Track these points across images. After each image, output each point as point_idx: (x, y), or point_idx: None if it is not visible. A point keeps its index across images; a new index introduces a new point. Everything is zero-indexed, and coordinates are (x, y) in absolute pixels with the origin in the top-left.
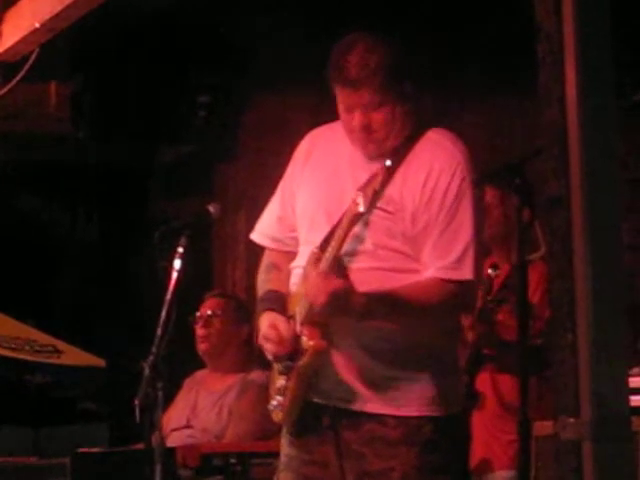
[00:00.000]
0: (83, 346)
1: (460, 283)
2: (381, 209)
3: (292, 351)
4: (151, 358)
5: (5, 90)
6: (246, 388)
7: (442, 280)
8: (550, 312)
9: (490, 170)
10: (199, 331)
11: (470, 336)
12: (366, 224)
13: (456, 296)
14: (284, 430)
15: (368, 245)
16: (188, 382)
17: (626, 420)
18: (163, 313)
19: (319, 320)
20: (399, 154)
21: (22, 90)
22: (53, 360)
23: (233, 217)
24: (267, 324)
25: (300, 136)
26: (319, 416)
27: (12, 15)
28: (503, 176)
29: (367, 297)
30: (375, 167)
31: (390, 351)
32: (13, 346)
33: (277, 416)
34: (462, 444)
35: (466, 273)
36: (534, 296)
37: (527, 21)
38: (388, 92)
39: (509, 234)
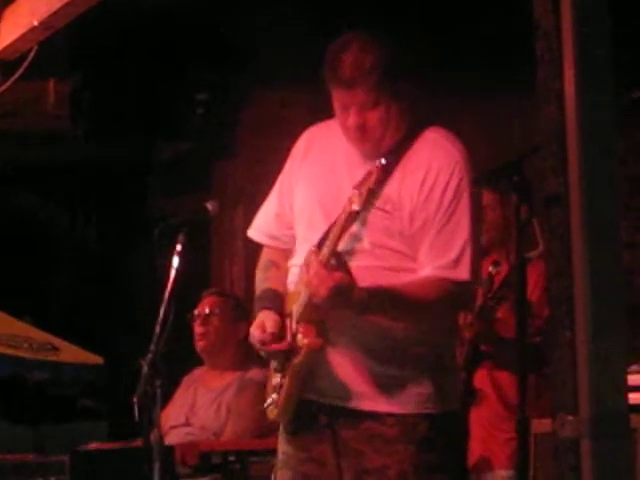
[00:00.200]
0: (81, 344)
1: (457, 282)
2: (379, 208)
3: (285, 349)
4: (149, 356)
5: (3, 88)
6: (244, 386)
7: (439, 279)
8: (549, 310)
9: (488, 171)
10: (197, 329)
11: (468, 333)
12: (364, 223)
13: (453, 295)
14: (281, 428)
15: (365, 244)
16: (186, 380)
17: (624, 418)
18: (161, 311)
19: (317, 315)
20: (396, 153)
21: (21, 88)
22: (51, 358)
23: (231, 214)
24: (255, 323)
25: (298, 133)
26: (316, 414)
27: (10, 13)
28: (501, 174)
29: (367, 292)
30: (372, 165)
31: (387, 349)
32: (12, 344)
33: (272, 413)
34: (460, 442)
35: (463, 273)
36: (533, 294)
37: (525, 19)
38: (383, 91)
39: (507, 236)
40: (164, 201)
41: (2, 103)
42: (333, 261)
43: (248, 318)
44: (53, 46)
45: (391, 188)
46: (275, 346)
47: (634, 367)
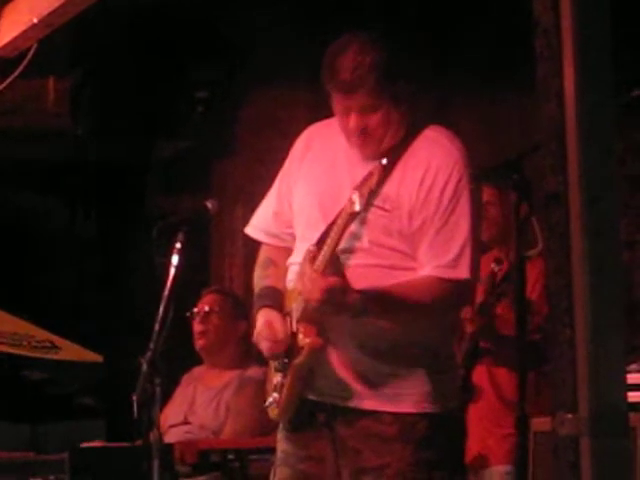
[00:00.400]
0: (81, 342)
1: (457, 282)
2: (378, 207)
3: (288, 348)
4: (149, 354)
5: (3, 86)
6: (244, 384)
7: (438, 279)
8: (548, 308)
9: (487, 168)
10: (196, 327)
11: (469, 328)
12: (363, 222)
13: (452, 295)
14: (280, 426)
15: (364, 243)
16: (186, 378)
17: (624, 416)
18: (161, 309)
19: (315, 317)
20: (396, 152)
21: (20, 86)
22: (51, 356)
23: (230, 213)
24: (262, 322)
25: (297, 132)
26: (315, 413)
27: (10, 10)
28: (501, 172)
29: (362, 295)
30: (372, 165)
31: (386, 348)
32: (11, 341)
33: (273, 412)
34: (458, 441)
35: (463, 272)
36: (533, 292)
37: (525, 16)
38: (383, 93)
39: (507, 232)
40: (163, 199)
41: (2, 101)
42: (331, 263)
43: (247, 316)
44: (53, 44)
45: (390, 187)
46: (280, 346)
47: (633, 366)
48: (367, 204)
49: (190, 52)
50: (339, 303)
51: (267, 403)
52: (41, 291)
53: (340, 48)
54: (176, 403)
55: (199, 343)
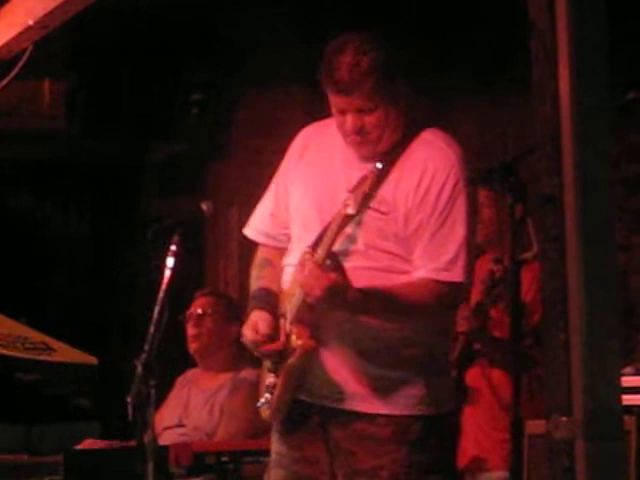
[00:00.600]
0: (75, 343)
1: (451, 284)
2: (374, 209)
3: (278, 349)
4: (144, 356)
5: None
6: (237, 386)
7: (434, 281)
8: (542, 311)
9: (483, 170)
10: (190, 330)
11: (462, 327)
12: (359, 224)
13: (447, 297)
14: (274, 427)
15: (360, 245)
16: (180, 381)
17: (619, 419)
18: (156, 311)
19: (311, 316)
20: (393, 154)
21: (16, 87)
22: (45, 357)
23: (225, 215)
24: (248, 323)
25: (293, 134)
26: (309, 414)
27: (5, 12)
28: (496, 174)
29: (362, 292)
30: (368, 167)
31: (380, 350)
32: (4, 343)
33: (265, 413)
34: (452, 443)
35: (458, 275)
36: (527, 295)
37: (521, 18)
38: (381, 94)
39: (502, 235)
40: (158, 201)
41: None
42: (328, 262)
43: (241, 319)
44: (48, 46)
45: (387, 189)
46: (268, 347)
47: (628, 369)
48: (362, 207)
49: (185, 54)
50: (339, 300)
51: (259, 404)
52: (35, 292)
53: (338, 48)
54: (170, 405)
55: (192, 346)
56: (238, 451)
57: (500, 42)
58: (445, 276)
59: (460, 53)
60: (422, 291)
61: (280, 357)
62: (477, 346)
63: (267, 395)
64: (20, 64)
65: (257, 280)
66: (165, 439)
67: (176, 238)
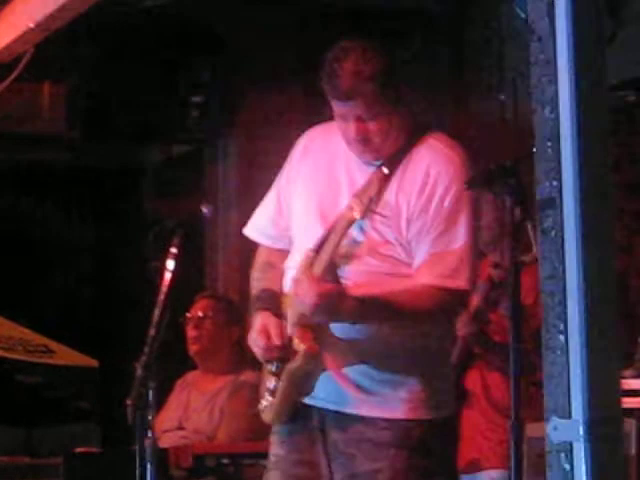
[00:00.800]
0: (76, 346)
1: (455, 291)
2: (376, 213)
3: (283, 353)
4: (144, 358)
5: None
6: (237, 389)
7: (438, 287)
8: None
9: (483, 172)
10: (190, 332)
11: (461, 332)
12: (361, 227)
13: (450, 304)
14: (273, 430)
15: (362, 249)
16: (180, 383)
17: (618, 422)
18: (156, 313)
19: (312, 322)
20: (397, 159)
21: (16, 90)
22: (46, 360)
23: (226, 217)
24: (259, 326)
25: (293, 136)
26: (309, 417)
27: (6, 15)
28: (496, 177)
29: (359, 301)
30: (371, 170)
31: (382, 354)
32: (6, 346)
33: (267, 416)
34: (452, 448)
35: (462, 282)
36: (527, 298)
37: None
38: (383, 100)
39: (502, 237)
40: (159, 204)
41: None
42: (328, 269)
43: (241, 321)
44: (48, 49)
45: (389, 193)
46: (277, 353)
47: (628, 372)
48: (367, 211)
49: (185, 56)
50: (335, 309)
51: (261, 406)
52: (36, 295)
53: (339, 55)
54: (170, 408)
55: (193, 348)
56: (238, 454)
57: (499, 43)
58: (449, 283)
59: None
60: (423, 298)
61: (282, 360)
62: (476, 350)
63: (269, 398)
64: (20, 67)
65: (259, 281)
66: (165, 442)
67: (176, 240)
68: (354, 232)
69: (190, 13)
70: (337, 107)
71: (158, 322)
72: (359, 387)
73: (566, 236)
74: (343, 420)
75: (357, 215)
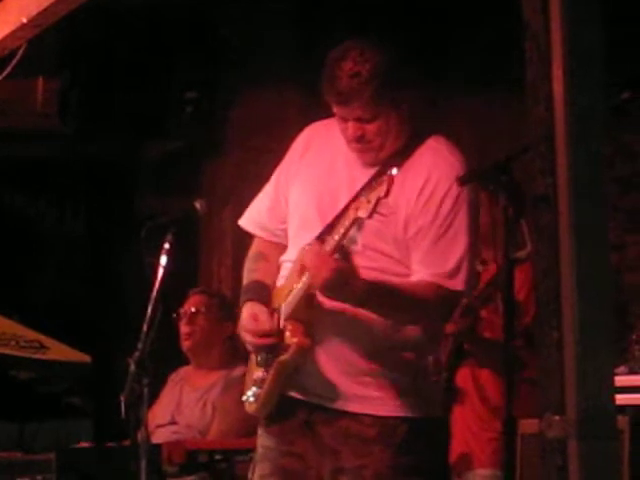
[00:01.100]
0: (68, 341)
1: (452, 292)
2: (375, 211)
3: (273, 343)
4: (137, 354)
5: None
6: (230, 384)
7: (437, 285)
8: (535, 310)
9: (477, 168)
10: (183, 328)
11: (450, 329)
12: (359, 225)
13: (446, 302)
14: (261, 422)
15: (358, 245)
16: (172, 379)
17: (612, 418)
18: (149, 309)
19: (307, 314)
20: (397, 159)
21: (9, 86)
22: (39, 356)
23: (220, 213)
24: (247, 315)
25: (288, 133)
26: (296, 410)
27: None
28: (490, 174)
29: (367, 283)
30: (372, 170)
31: (371, 352)
32: None
33: (251, 407)
34: (440, 447)
35: (459, 284)
36: (519, 294)
37: (516, 19)
38: (382, 101)
39: (496, 233)
40: (152, 199)
41: None
42: (336, 255)
43: (234, 317)
44: (42, 44)
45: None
46: (265, 340)
47: (622, 368)
48: (373, 211)
49: (179, 52)
50: (344, 287)
51: (245, 397)
52: (29, 291)
53: (339, 56)
54: (163, 403)
55: (185, 344)
56: (231, 449)
57: (496, 41)
58: (447, 283)
59: (455, 52)
60: (426, 290)
61: (271, 352)
62: (467, 347)
63: (254, 389)
64: (14, 62)
65: (251, 272)
66: (158, 437)
67: (169, 236)
68: (352, 228)
69: (184, 9)
70: (336, 108)
71: (151, 318)
72: (349, 384)
73: (560, 233)
74: (330, 415)
75: (363, 215)
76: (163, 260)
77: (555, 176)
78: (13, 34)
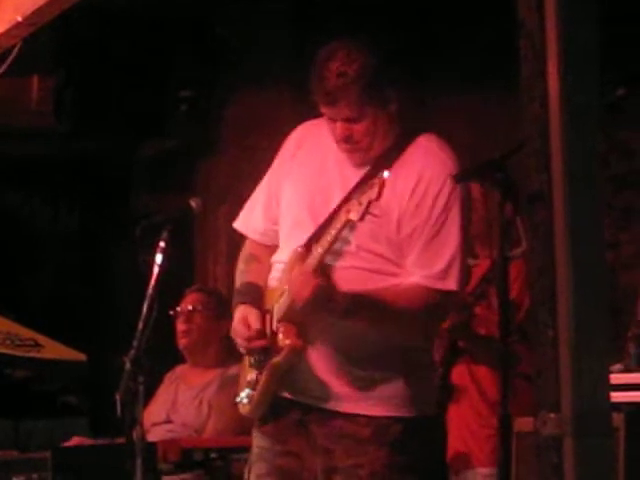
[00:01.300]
0: (64, 340)
1: (445, 293)
2: (368, 212)
3: (266, 346)
4: (132, 352)
5: None
6: (226, 383)
7: (427, 288)
8: (528, 307)
9: (472, 166)
10: (180, 326)
11: (445, 324)
12: (352, 226)
13: (438, 305)
14: (255, 422)
15: (352, 246)
16: (168, 377)
17: (607, 416)
18: (144, 307)
19: (298, 318)
20: (388, 159)
21: (4, 84)
22: (34, 354)
23: (215, 212)
24: (238, 318)
25: (283, 132)
26: (291, 411)
27: None
28: (485, 171)
29: (349, 297)
30: (363, 170)
31: (365, 352)
32: None
33: (244, 409)
34: (435, 445)
35: (451, 284)
36: (512, 290)
37: (512, 17)
38: (369, 101)
39: (490, 230)
40: (148, 198)
41: None
42: (317, 268)
43: (230, 315)
44: (37, 42)
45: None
46: (258, 343)
47: (617, 366)
48: (365, 214)
49: (175, 51)
50: (326, 303)
51: (239, 398)
52: (24, 288)
53: (327, 55)
54: (159, 402)
55: (182, 342)
56: (226, 448)
57: (489, 40)
58: (439, 284)
59: (450, 48)
60: (414, 297)
61: (264, 354)
62: (462, 343)
63: (248, 391)
64: (9, 60)
65: (243, 274)
66: (153, 435)
67: (165, 235)
68: (345, 229)
69: (179, 8)
70: (324, 108)
71: (146, 316)
72: (343, 385)
73: (555, 230)
74: (324, 415)
75: (354, 217)
76: (158, 258)
77: (550, 173)
78: (8, 32)
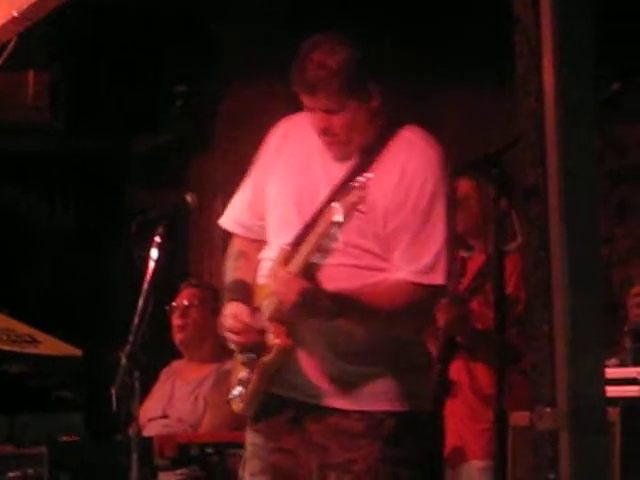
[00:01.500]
0: (60, 335)
1: (431, 287)
2: (351, 213)
3: (256, 344)
4: (128, 347)
5: None
6: (221, 378)
7: (413, 283)
8: (524, 302)
9: (467, 161)
10: (176, 321)
11: (441, 322)
12: (338, 224)
13: (425, 300)
14: (249, 419)
15: (339, 243)
16: (165, 372)
17: (602, 411)
18: (140, 302)
19: (286, 319)
20: (371, 153)
21: (0, 78)
22: (30, 349)
23: (210, 207)
24: (228, 315)
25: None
26: (284, 408)
27: None
28: (480, 166)
29: (335, 298)
30: (347, 164)
31: (357, 350)
32: None
33: (237, 406)
34: (430, 439)
35: (438, 278)
36: (508, 285)
37: (505, 11)
38: (349, 95)
39: (486, 225)
40: (143, 193)
41: None
42: (304, 268)
43: None
44: (33, 37)
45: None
46: (249, 336)
47: (612, 360)
48: (349, 216)
49: (169, 46)
50: (312, 307)
51: (231, 396)
52: (20, 284)
53: (310, 47)
54: (155, 397)
55: (178, 337)
56: (222, 443)
57: (484, 34)
58: (425, 279)
59: (445, 43)
60: (401, 293)
61: (255, 352)
62: (459, 339)
63: (240, 389)
64: (4, 56)
65: (232, 271)
66: (149, 430)
67: (160, 230)
68: (330, 230)
69: (173, 3)
70: (304, 97)
71: (142, 311)
72: (334, 381)
73: (551, 225)
74: (318, 412)
75: (339, 219)
76: (154, 253)
77: (545, 167)
78: (4, 27)
